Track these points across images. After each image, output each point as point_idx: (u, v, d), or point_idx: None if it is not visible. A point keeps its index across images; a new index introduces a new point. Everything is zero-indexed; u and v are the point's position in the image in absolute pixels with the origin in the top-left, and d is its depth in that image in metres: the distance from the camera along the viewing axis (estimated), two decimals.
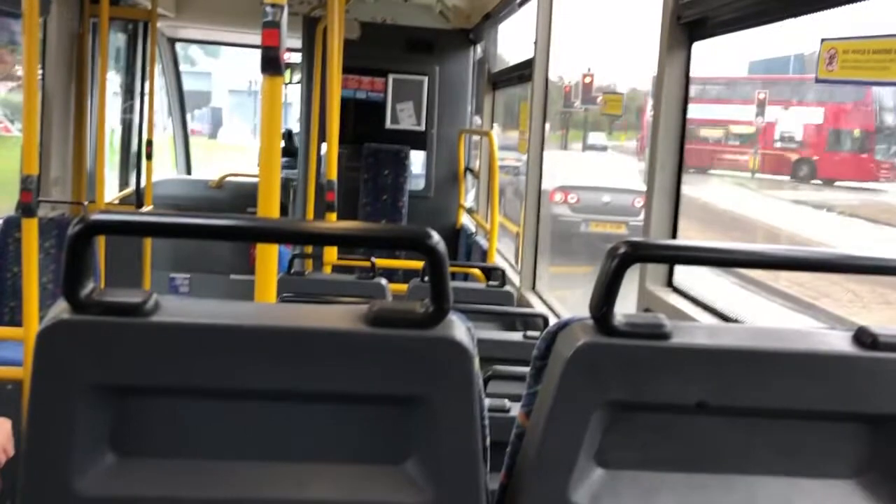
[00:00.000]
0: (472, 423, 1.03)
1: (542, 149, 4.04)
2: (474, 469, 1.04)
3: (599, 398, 1.03)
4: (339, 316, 1.03)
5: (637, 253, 1.03)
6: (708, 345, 1.04)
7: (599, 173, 12.08)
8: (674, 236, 2.42)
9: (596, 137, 17.61)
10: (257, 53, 1.76)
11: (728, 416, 1.07)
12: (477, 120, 5.76)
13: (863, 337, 1.06)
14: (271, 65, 1.72)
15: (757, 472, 1.09)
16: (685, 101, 2.39)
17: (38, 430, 0.98)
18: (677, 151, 2.40)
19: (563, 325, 1.09)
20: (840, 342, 1.06)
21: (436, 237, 1.01)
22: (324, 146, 4.49)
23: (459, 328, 1.03)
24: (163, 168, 6.29)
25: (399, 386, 1.01)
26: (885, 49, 1.53)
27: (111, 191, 5.49)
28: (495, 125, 5.72)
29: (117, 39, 5.66)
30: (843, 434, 1.09)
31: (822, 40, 1.70)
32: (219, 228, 1.02)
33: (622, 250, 1.02)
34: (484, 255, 4.58)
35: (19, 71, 3.90)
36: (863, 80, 1.60)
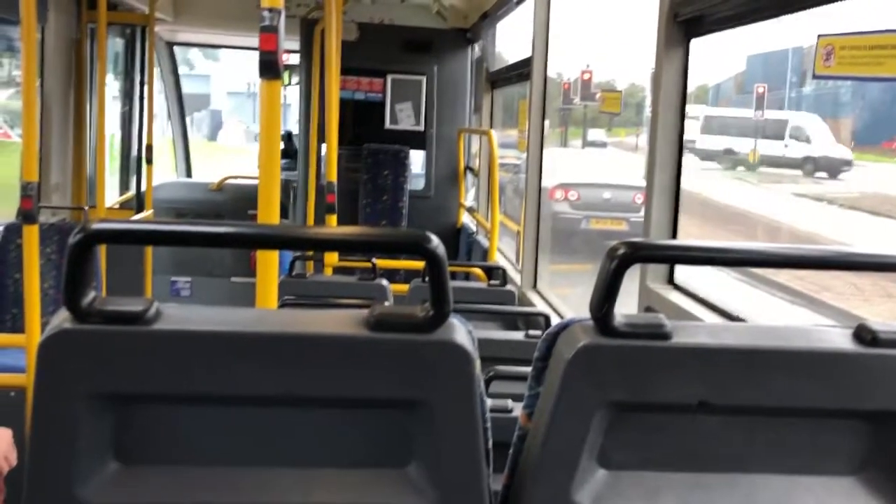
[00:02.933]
0: (473, 425, 1.03)
1: (541, 147, 4.04)
2: (477, 472, 1.04)
3: (601, 399, 1.04)
4: (339, 321, 1.03)
5: (637, 253, 1.03)
6: (708, 344, 1.05)
7: (599, 170, 12.04)
8: (674, 235, 2.42)
9: (595, 134, 17.57)
10: (256, 55, 1.76)
11: (729, 415, 1.07)
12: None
13: (863, 334, 1.06)
14: (269, 69, 1.72)
15: (758, 471, 1.09)
16: (683, 98, 2.39)
17: (41, 440, 0.99)
18: (676, 149, 2.40)
19: (564, 327, 1.09)
20: (840, 339, 1.06)
21: (435, 241, 1.01)
22: (323, 147, 4.50)
23: (460, 331, 1.03)
24: (163, 171, 6.30)
25: (400, 390, 1.02)
26: (880, 45, 1.54)
27: (112, 195, 5.50)
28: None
29: (115, 44, 5.67)
30: (844, 431, 1.09)
31: (819, 36, 1.70)
32: (219, 236, 1.02)
33: (622, 251, 1.02)
34: (485, 254, 4.58)
35: (18, 77, 3.91)
36: (860, 76, 1.60)
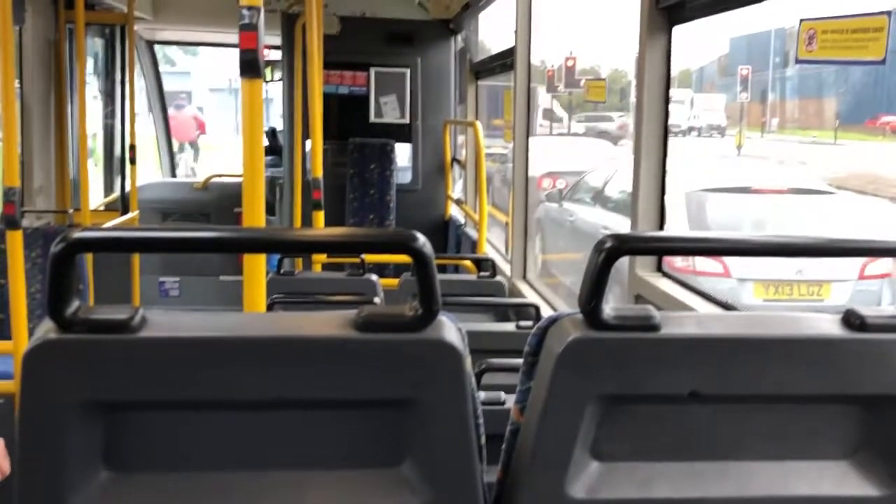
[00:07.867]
0: (465, 422, 1.03)
1: (527, 136, 4.03)
2: (470, 468, 1.04)
3: (592, 392, 1.04)
4: (327, 323, 1.02)
5: (624, 246, 1.03)
6: (698, 334, 1.05)
7: (586, 157, 12.02)
8: (661, 225, 2.42)
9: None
10: (237, 52, 1.74)
11: (721, 404, 1.08)
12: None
13: (851, 319, 1.06)
14: (250, 67, 1.70)
15: (751, 458, 1.10)
16: (667, 85, 2.39)
17: (30, 449, 0.98)
18: (661, 136, 2.40)
19: (554, 321, 1.09)
20: (829, 326, 1.07)
21: (421, 240, 1.00)
22: (308, 143, 4.47)
23: (449, 329, 1.03)
24: (147, 170, 6.26)
25: (391, 390, 1.01)
26: (863, 28, 1.53)
27: (96, 196, 5.46)
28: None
29: (94, 44, 5.61)
30: (834, 416, 1.09)
31: (801, 20, 1.70)
32: (204, 241, 1.01)
33: (609, 244, 1.02)
34: (474, 245, 4.58)
35: None
36: (843, 60, 1.60)
